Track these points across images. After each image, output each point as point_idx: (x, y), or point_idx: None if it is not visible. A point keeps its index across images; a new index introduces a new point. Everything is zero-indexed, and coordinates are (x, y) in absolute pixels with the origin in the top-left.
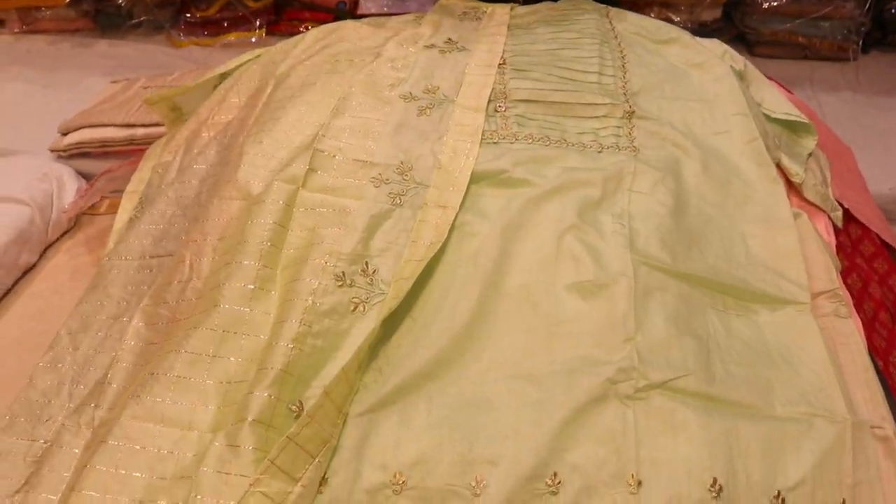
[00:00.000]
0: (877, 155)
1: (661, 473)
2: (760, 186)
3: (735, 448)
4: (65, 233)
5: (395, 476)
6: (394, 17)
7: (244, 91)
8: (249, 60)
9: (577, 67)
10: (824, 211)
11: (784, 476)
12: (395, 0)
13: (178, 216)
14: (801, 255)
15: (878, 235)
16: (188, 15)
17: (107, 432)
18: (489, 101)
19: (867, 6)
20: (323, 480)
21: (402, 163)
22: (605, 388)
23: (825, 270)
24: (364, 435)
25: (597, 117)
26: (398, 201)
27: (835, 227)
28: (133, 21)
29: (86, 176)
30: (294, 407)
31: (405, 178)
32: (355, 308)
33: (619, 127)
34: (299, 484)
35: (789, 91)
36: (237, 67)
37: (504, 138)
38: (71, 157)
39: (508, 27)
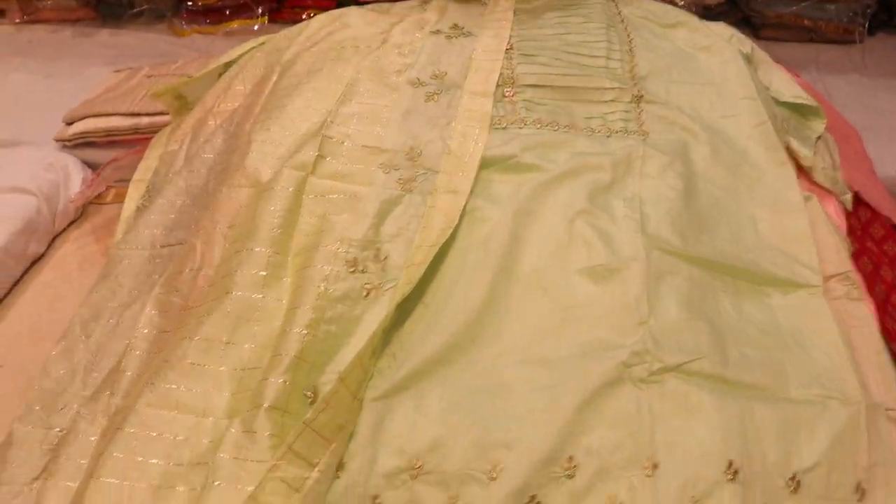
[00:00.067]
0: (884, 137)
1: (677, 456)
2: (769, 170)
3: (750, 430)
4: (72, 222)
5: (411, 461)
6: (398, 3)
7: (249, 79)
8: (254, 48)
9: (585, 52)
10: (833, 194)
11: (799, 458)
12: None
13: (187, 205)
14: (811, 238)
15: (887, 218)
16: (190, 3)
17: (123, 420)
18: (497, 86)
19: None
20: (340, 465)
21: (411, 148)
22: (619, 372)
23: (836, 253)
24: (379, 420)
25: (605, 101)
26: (408, 187)
27: (844, 210)
28: (134, 10)
29: (91, 165)
30: (309, 393)
31: (414, 163)
32: (368, 294)
33: (627, 111)
34: (316, 469)
35: (796, 74)
36: (242, 55)
37: (512, 123)
38: (76, 146)
39: (514, 12)
